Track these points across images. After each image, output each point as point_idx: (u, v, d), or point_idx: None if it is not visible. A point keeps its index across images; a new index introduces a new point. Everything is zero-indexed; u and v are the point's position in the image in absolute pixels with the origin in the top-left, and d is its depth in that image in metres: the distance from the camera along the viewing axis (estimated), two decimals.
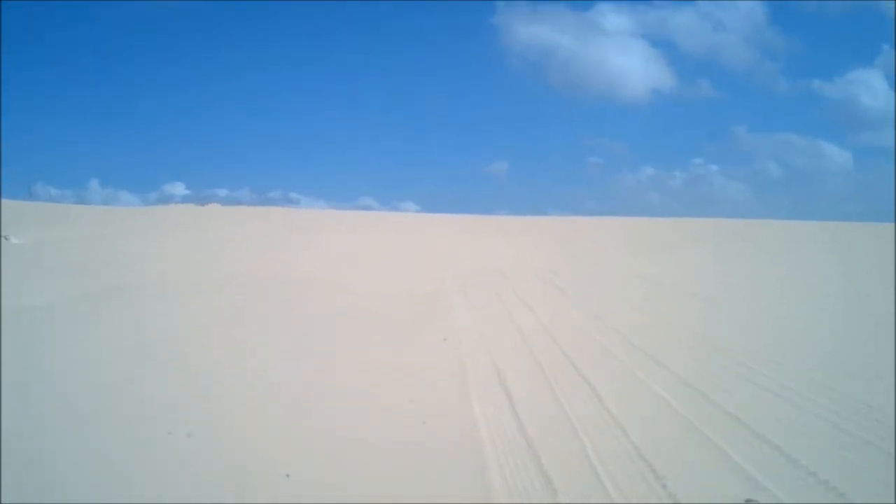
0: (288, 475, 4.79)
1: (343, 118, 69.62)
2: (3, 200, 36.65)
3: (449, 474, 4.87)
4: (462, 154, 73.61)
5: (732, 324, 10.76)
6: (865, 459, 5.08)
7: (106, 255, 19.37)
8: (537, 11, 65.05)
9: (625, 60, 63.08)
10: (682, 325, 10.57)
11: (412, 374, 7.54)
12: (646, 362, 8.02)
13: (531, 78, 64.26)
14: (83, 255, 19.23)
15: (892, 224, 34.20)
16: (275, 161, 72.06)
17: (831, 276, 18.00)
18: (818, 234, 35.95)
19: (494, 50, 66.45)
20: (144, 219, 37.87)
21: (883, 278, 16.23)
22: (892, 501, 4.47)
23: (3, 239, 20.41)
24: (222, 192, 57.50)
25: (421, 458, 5.19)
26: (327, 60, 67.60)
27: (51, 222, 30.14)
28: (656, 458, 5.05)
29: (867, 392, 6.71)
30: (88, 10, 63.76)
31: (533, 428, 5.74)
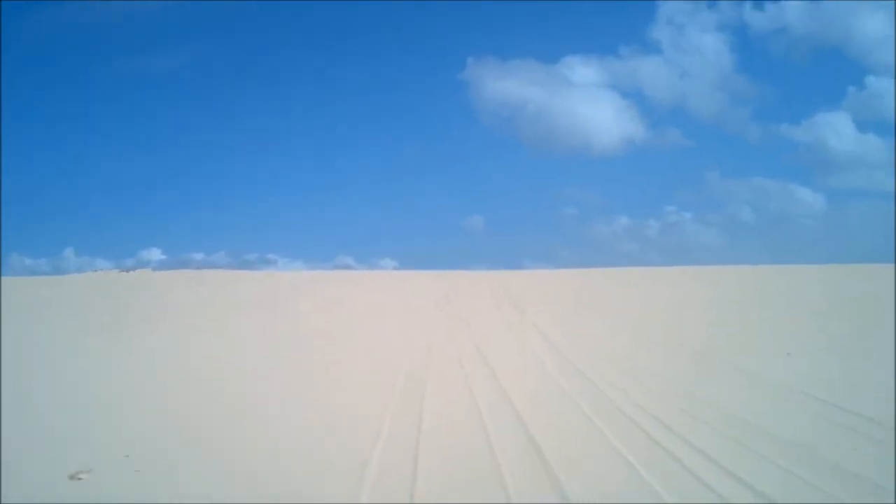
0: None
1: (317, 178, 69.12)
2: None
3: None
4: (438, 209, 74.66)
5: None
6: None
7: None
8: (506, 66, 66.55)
9: (595, 111, 63.47)
10: None
11: None
12: None
13: (503, 131, 64.98)
14: None
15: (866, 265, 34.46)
16: (251, 223, 71.46)
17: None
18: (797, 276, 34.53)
19: (465, 105, 67.59)
20: (52, 291, 32.88)
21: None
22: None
23: None
24: (199, 256, 57.79)
25: None
26: (299, 120, 67.07)
27: None
28: None
29: None
30: (55, 73, 62.33)
31: None
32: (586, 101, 69.69)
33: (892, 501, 4.48)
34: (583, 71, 74.30)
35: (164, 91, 73.56)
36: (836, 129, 74.08)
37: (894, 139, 52.67)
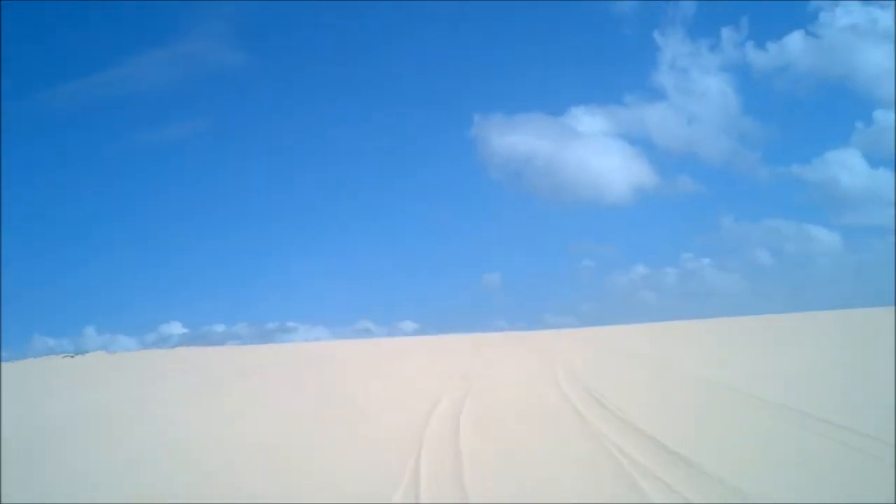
0: None
1: (332, 243, 70.63)
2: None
3: None
4: (455, 268, 75.73)
5: None
6: None
7: None
8: (513, 120, 66.46)
9: (604, 161, 62.20)
10: None
11: None
12: None
13: (514, 187, 65.15)
14: None
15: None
16: (270, 291, 72.58)
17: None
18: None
19: (474, 162, 68.47)
20: None
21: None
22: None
23: None
24: (220, 328, 57.46)
25: None
26: (312, 186, 68.64)
27: None
28: None
29: None
30: (66, 152, 61.47)
31: None
32: (595, 151, 67.18)
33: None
34: (589, 121, 72.25)
35: (177, 161, 72.61)
36: (846, 166, 70.72)
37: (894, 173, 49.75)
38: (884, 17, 71.16)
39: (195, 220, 74.28)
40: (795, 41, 72.84)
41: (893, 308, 31.08)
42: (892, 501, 4.49)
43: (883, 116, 74.01)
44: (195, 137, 75.59)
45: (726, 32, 71.89)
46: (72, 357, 34.18)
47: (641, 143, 72.29)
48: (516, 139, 72.01)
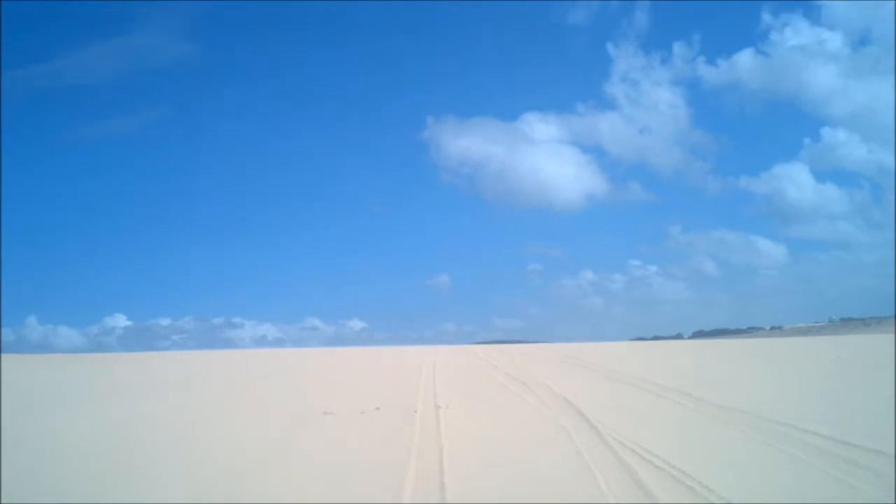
0: None
1: (281, 241, 70.51)
2: None
3: None
4: (405, 269, 76.03)
5: None
6: None
7: None
8: (465, 124, 67.54)
9: (556, 168, 63.86)
10: None
11: None
12: None
13: (465, 190, 66.08)
14: None
15: None
16: (217, 287, 72.13)
17: None
18: None
19: (427, 165, 69.00)
20: None
21: None
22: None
23: None
24: (165, 322, 57.50)
25: None
26: (262, 185, 67.99)
27: None
28: None
29: None
30: (18, 140, 59.77)
31: None
32: (547, 157, 68.13)
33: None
34: (542, 128, 73.55)
35: (125, 153, 70.46)
36: (794, 181, 73.70)
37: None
38: (832, 38, 74.05)
39: (143, 213, 71.16)
40: (745, 59, 75.21)
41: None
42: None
43: (830, 134, 76.88)
44: (144, 129, 72.66)
45: (678, 48, 73.81)
46: None
47: (593, 150, 73.57)
48: (469, 143, 71.79)
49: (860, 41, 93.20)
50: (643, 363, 22.60)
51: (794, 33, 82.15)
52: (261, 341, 70.61)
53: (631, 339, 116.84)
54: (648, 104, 68.54)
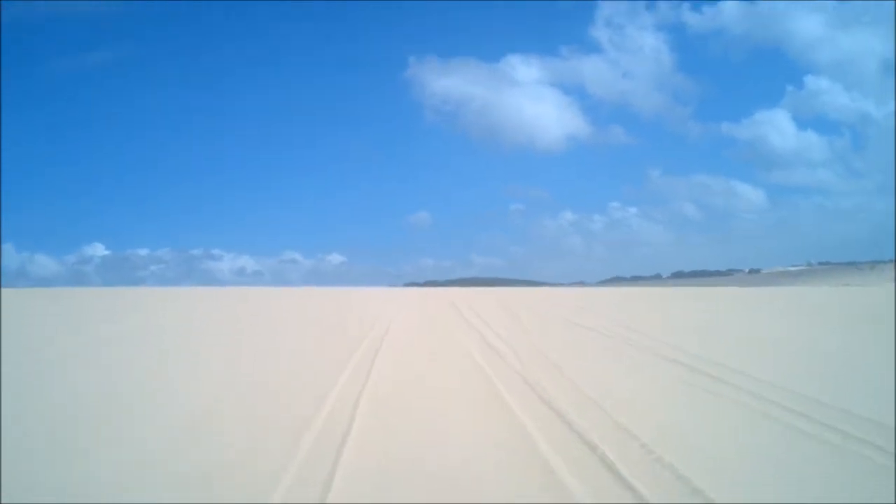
0: None
1: (261, 174, 68.47)
2: None
3: None
4: (385, 205, 75.13)
5: None
6: None
7: None
8: (448, 64, 65.00)
9: (539, 108, 60.61)
10: None
11: None
12: None
13: (447, 129, 63.39)
14: None
15: None
16: (195, 218, 70.53)
17: None
18: None
19: (409, 103, 66.98)
20: None
21: None
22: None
23: None
24: (143, 252, 57.59)
25: None
26: (244, 117, 65.11)
27: None
28: None
29: None
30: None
31: None
32: (529, 98, 64.73)
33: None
34: (524, 70, 69.87)
35: (108, 85, 67.31)
36: (775, 127, 71.20)
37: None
38: None
39: (122, 144, 67.74)
40: (731, 5, 71.49)
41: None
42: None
43: (813, 81, 74.48)
44: (124, 61, 68.72)
45: None
46: None
47: (576, 92, 69.76)
48: (451, 82, 68.21)
49: None
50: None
51: None
52: (239, 273, 70.77)
53: (609, 279, 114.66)
54: (632, 48, 65.32)
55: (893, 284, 51.26)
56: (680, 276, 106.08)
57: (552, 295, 38.30)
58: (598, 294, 39.57)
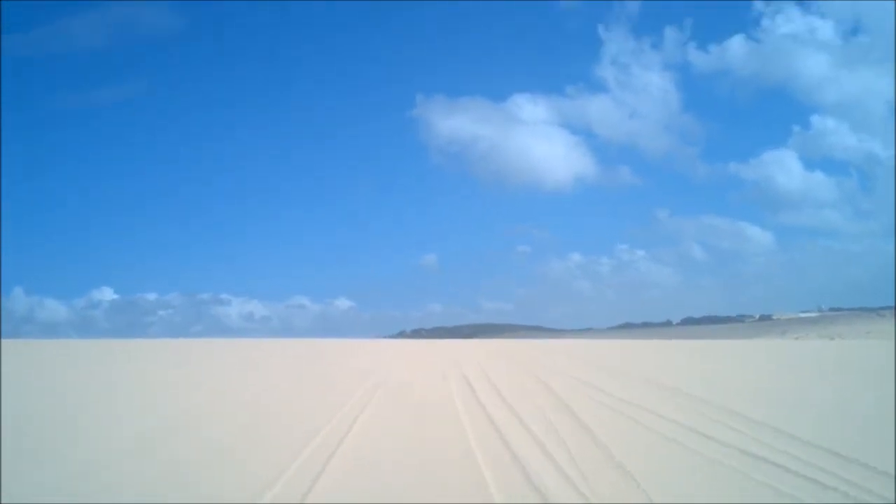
0: None
1: (269, 218, 67.75)
2: None
3: None
4: (392, 248, 75.12)
5: None
6: None
7: None
8: (455, 104, 64.32)
9: (546, 149, 59.11)
10: None
11: None
12: None
13: (454, 169, 62.55)
14: None
15: None
16: (204, 262, 69.39)
17: None
18: None
19: (416, 143, 66.36)
20: None
21: None
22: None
23: None
24: (151, 297, 56.03)
25: None
26: (253, 161, 64.80)
27: None
28: None
29: None
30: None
31: None
32: (536, 138, 62.72)
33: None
34: (531, 109, 68.20)
35: (115, 125, 65.67)
36: (783, 167, 69.23)
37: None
38: (823, 26, 70.10)
39: (130, 186, 65.57)
40: (737, 45, 70.38)
41: None
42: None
43: (820, 121, 72.70)
44: (130, 101, 67.21)
45: (669, 32, 67.99)
46: None
47: (583, 133, 68.12)
48: (458, 122, 66.08)
49: (852, 31, 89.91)
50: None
51: (786, 21, 79.34)
52: (248, 319, 69.41)
53: (619, 325, 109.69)
54: (638, 88, 64.12)
55: None
56: (690, 323, 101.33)
57: (572, 349, 33.41)
58: (618, 347, 34.76)
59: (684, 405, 10.91)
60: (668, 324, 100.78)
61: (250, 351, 33.58)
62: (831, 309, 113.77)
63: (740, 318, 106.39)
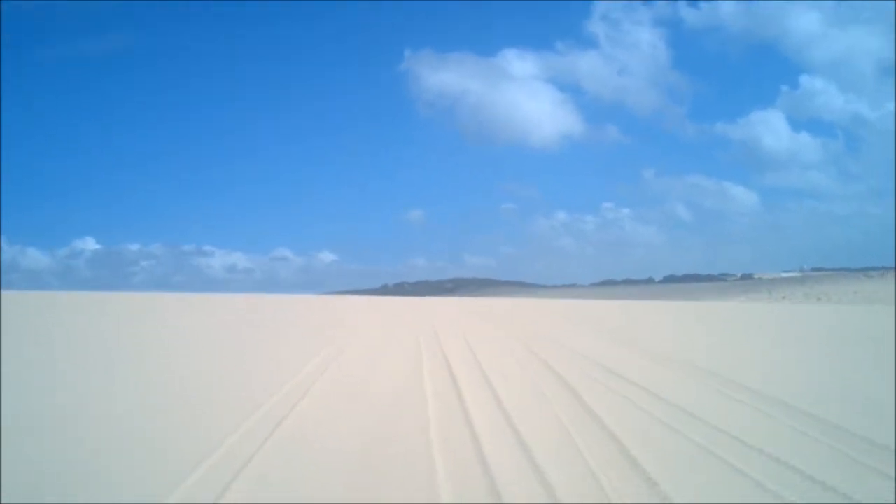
0: None
1: (254, 170, 65.55)
2: None
3: None
4: (378, 202, 73.07)
5: None
6: None
7: None
8: (444, 58, 61.80)
9: (533, 105, 56.74)
10: None
11: None
12: None
13: (442, 124, 60.11)
14: None
15: None
16: (187, 213, 67.03)
17: None
18: None
19: (404, 97, 64.51)
20: None
21: None
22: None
23: None
24: (134, 247, 52.20)
25: None
26: (239, 112, 61.92)
27: None
28: None
29: None
30: None
31: None
32: (524, 94, 59.63)
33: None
34: (520, 65, 64.72)
35: (102, 75, 64.65)
36: (770, 128, 66.65)
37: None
38: None
39: (115, 136, 61.89)
40: (728, 2, 66.17)
41: None
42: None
43: (808, 81, 69.70)
44: (117, 52, 62.89)
45: None
46: None
47: (571, 89, 65.43)
48: (447, 77, 62.63)
49: None
50: None
51: None
52: (230, 270, 67.05)
53: (601, 282, 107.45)
54: (628, 44, 61.57)
55: None
56: (672, 281, 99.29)
57: (567, 312, 29.97)
58: (608, 309, 31.43)
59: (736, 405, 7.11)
60: (650, 281, 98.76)
61: (215, 310, 29.50)
62: (813, 269, 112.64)
63: (722, 277, 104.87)
